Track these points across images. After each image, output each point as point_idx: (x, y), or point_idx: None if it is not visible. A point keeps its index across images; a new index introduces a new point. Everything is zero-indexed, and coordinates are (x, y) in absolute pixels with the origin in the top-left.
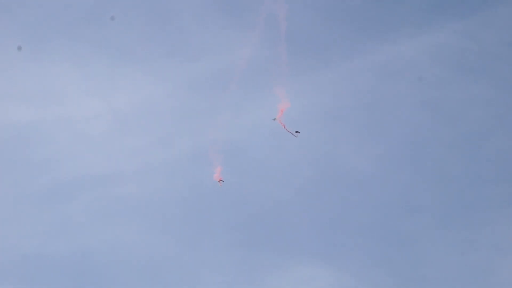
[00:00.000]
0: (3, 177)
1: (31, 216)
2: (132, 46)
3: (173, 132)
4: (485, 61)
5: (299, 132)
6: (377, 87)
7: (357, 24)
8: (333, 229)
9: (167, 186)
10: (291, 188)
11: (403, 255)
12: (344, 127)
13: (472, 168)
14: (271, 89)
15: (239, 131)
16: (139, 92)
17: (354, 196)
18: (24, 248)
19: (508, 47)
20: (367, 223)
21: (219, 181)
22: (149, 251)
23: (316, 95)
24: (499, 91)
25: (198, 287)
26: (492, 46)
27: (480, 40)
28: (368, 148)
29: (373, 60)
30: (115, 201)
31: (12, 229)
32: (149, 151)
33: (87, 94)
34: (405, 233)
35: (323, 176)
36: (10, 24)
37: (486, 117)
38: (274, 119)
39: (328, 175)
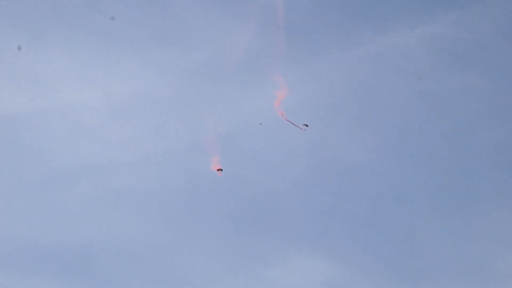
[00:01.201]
0: None
1: (27, 206)
2: (129, 36)
3: (169, 122)
4: (480, 51)
5: (307, 125)
6: (373, 78)
7: (353, 14)
8: (328, 220)
9: (163, 176)
10: (286, 178)
11: (398, 246)
12: (340, 117)
13: (467, 158)
14: (268, 79)
15: (236, 121)
16: (135, 81)
17: (349, 186)
18: (20, 238)
19: (504, 37)
20: (362, 213)
21: (218, 170)
22: (146, 241)
23: (312, 85)
24: (494, 81)
25: (194, 276)
26: (488, 36)
27: (475, 30)
28: (364, 138)
29: (369, 50)
30: (111, 191)
31: (8, 219)
32: (146, 141)
33: (84, 83)
34: (400, 224)
35: (318, 166)
36: (7, 13)
37: (480, 108)
38: (261, 124)
39: (323, 165)
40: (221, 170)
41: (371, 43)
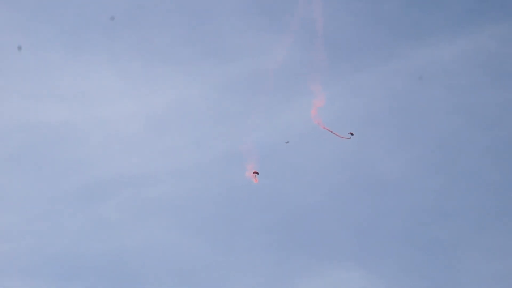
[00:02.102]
0: (38, 177)
1: (65, 216)
2: (168, 47)
3: (207, 133)
4: None
5: (352, 134)
6: (412, 91)
7: (393, 28)
8: (366, 233)
9: (200, 188)
10: (324, 191)
11: (435, 261)
12: (378, 131)
13: (507, 174)
14: (306, 91)
15: (274, 133)
16: (173, 93)
17: (386, 200)
18: (58, 248)
19: None
20: (400, 228)
21: (254, 173)
22: (183, 252)
23: (351, 98)
24: None
25: None
26: None
27: None
28: (402, 152)
29: (409, 64)
30: (148, 202)
31: (46, 229)
32: (183, 152)
33: (122, 94)
34: (437, 239)
35: (356, 180)
36: (48, 22)
37: None
38: (287, 142)
39: (361, 179)
40: (257, 173)
41: (411, 56)
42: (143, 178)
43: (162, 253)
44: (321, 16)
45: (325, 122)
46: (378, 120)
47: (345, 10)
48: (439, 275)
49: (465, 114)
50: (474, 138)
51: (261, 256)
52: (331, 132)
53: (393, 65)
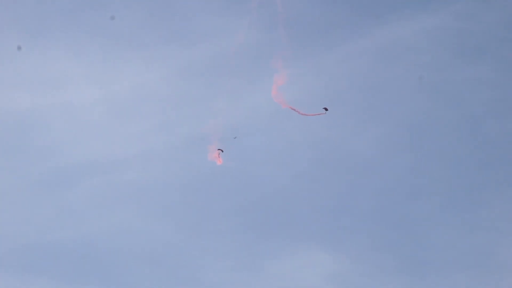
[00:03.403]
0: (3, 165)
1: (31, 204)
2: (129, 33)
3: (171, 117)
4: (484, 42)
5: (327, 109)
6: (376, 70)
7: (355, 6)
8: (334, 213)
9: (166, 172)
10: (291, 172)
11: (405, 239)
12: (344, 110)
13: (473, 150)
14: (269, 72)
15: (238, 116)
16: (136, 78)
17: (355, 179)
18: (24, 236)
19: (508, 28)
20: (368, 206)
21: (218, 150)
22: (150, 238)
23: (315, 78)
24: (499, 72)
25: (199, 273)
26: (492, 27)
27: (479, 21)
28: (369, 131)
29: (372, 42)
30: (115, 187)
31: (11, 217)
32: (148, 137)
33: (85, 80)
34: (406, 216)
35: (323, 160)
36: (4, 7)
37: (486, 99)
38: (235, 137)
39: (328, 158)
40: (222, 151)
41: (374, 35)
42: (109, 164)
43: (130, 239)
44: None
45: (289, 102)
46: (343, 99)
47: None
48: (409, 253)
49: (430, 91)
50: (439, 114)
51: (230, 240)
52: (295, 110)
53: (356, 44)
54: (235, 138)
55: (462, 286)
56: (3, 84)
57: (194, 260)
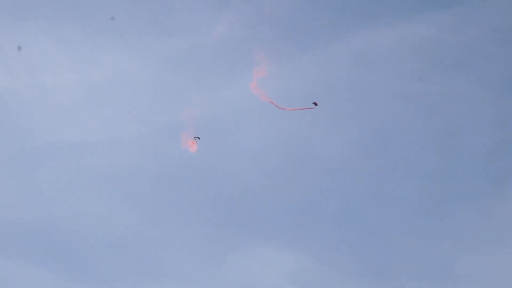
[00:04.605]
0: None
1: None
2: (109, 20)
3: (147, 106)
4: (464, 54)
5: (316, 104)
6: (355, 75)
7: (337, 10)
8: (301, 213)
9: (138, 160)
10: (262, 168)
11: (369, 243)
12: (320, 111)
13: (443, 161)
14: (249, 67)
15: (213, 109)
16: (115, 65)
17: (324, 182)
18: None
19: (489, 41)
20: (335, 209)
21: (194, 138)
22: (117, 224)
23: (292, 79)
24: (478, 85)
25: (162, 262)
26: (473, 39)
27: (460, 33)
28: (342, 135)
29: (352, 47)
30: (85, 171)
31: None
32: (122, 124)
33: (63, 63)
34: (372, 222)
35: (294, 159)
36: None
37: (461, 112)
38: (199, 138)
39: (300, 158)
40: (198, 138)
41: (354, 40)
42: (80, 147)
43: (95, 224)
44: None
45: (268, 96)
46: (320, 101)
47: None
48: (373, 258)
49: (406, 100)
50: (411, 123)
51: (196, 232)
52: (274, 104)
53: (336, 48)
54: (199, 139)
55: None
56: None
57: (158, 250)
